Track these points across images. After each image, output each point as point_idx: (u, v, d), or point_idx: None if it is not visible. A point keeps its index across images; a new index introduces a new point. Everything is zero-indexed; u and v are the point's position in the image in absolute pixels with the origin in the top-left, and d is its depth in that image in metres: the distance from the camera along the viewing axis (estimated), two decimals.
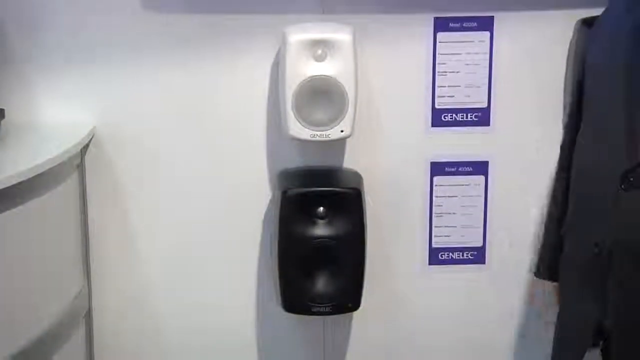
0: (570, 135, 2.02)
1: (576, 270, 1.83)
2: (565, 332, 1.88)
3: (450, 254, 2.47)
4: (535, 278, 2.24)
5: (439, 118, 2.40)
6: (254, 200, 2.42)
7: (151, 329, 2.47)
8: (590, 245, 1.74)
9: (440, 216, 2.45)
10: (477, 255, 2.48)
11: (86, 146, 2.34)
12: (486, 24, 2.34)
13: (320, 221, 2.28)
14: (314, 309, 2.30)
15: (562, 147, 2.09)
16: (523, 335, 2.46)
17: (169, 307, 2.47)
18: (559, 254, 2.00)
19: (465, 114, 2.39)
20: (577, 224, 1.84)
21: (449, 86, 2.37)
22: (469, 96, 2.38)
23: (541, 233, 2.21)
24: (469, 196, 2.44)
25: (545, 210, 2.25)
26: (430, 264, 2.48)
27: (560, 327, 1.89)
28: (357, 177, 2.38)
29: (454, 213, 2.45)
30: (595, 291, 1.73)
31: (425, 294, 2.50)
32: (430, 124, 2.40)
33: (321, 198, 2.28)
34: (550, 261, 2.06)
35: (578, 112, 1.96)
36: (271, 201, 2.41)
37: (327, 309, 2.31)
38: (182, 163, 2.39)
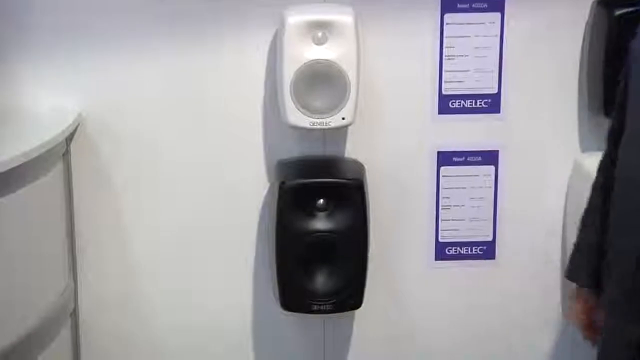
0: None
1: (619, 284, 1.76)
2: (607, 348, 1.81)
3: (458, 248, 2.47)
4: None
5: (446, 105, 2.39)
6: (250, 193, 2.41)
7: (142, 328, 2.47)
8: (632, 260, 1.68)
9: (448, 209, 2.44)
10: (487, 250, 2.47)
11: (72, 134, 2.32)
12: (497, 5, 2.34)
13: (320, 214, 2.28)
14: (314, 307, 2.30)
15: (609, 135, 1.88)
16: (537, 337, 2.45)
17: (162, 305, 2.46)
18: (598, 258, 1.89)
19: (474, 101, 2.39)
20: (618, 234, 1.77)
21: (456, 71, 2.37)
22: (478, 81, 2.38)
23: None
24: (478, 187, 2.43)
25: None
26: (436, 259, 2.47)
27: (603, 342, 1.82)
28: (359, 167, 2.37)
29: (462, 205, 2.44)
30: (637, 307, 1.68)
31: (431, 291, 2.49)
32: (436, 111, 2.39)
33: (321, 189, 2.27)
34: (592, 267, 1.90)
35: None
36: (268, 193, 2.40)
37: (328, 307, 2.30)
38: (175, 154, 2.38)
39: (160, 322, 2.45)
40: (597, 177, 1.85)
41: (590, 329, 1.87)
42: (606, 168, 1.81)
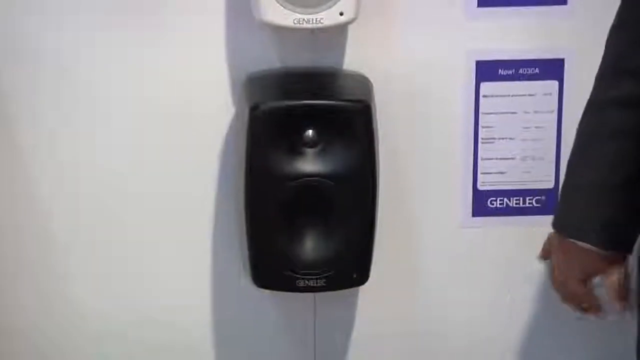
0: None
1: None
2: None
3: (506, 200, 2.30)
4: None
5: None
6: (208, 121, 2.26)
7: (57, 315, 2.34)
8: None
9: (491, 142, 2.28)
10: (547, 203, 2.31)
11: None
12: None
13: (309, 151, 2.14)
14: (300, 283, 2.17)
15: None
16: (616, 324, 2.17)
17: (85, 285, 2.33)
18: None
19: None
20: None
21: None
22: None
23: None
24: (535, 112, 2.26)
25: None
26: (474, 215, 2.31)
27: None
28: (364, 84, 2.21)
29: (511, 138, 2.27)
30: None
31: (466, 260, 2.34)
32: (475, 2, 2.23)
33: (310, 116, 2.12)
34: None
35: None
36: (234, 122, 2.25)
37: (320, 283, 2.17)
38: (101, 70, 2.23)
39: (83, 308, 2.34)
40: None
41: (624, 298, 1.82)
42: None
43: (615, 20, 1.81)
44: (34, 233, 2.34)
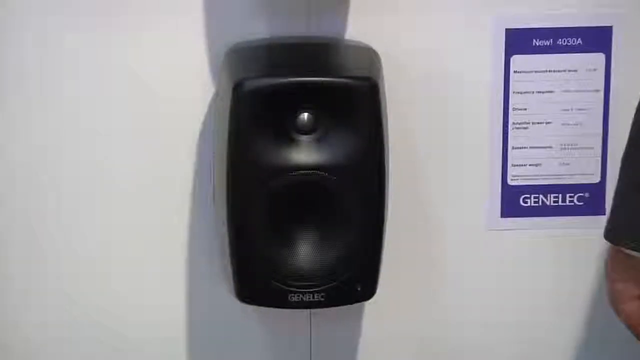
0: None
1: None
2: None
3: (542, 197, 2.17)
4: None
5: None
6: (183, 102, 2.11)
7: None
8: None
9: (524, 128, 2.14)
10: (591, 200, 2.18)
11: None
12: None
13: (304, 139, 2.00)
14: (293, 298, 2.04)
15: None
16: None
17: (32, 293, 2.17)
18: None
19: None
20: None
21: None
22: None
23: None
24: (577, 91, 2.13)
25: None
26: (503, 215, 2.17)
27: None
28: (371, 58, 2.07)
29: (548, 122, 2.13)
30: None
31: (495, 268, 2.20)
32: None
33: (305, 96, 1.98)
34: None
35: None
36: (215, 103, 2.11)
37: (317, 298, 2.05)
38: (66, 43, 2.09)
39: (25, 319, 2.19)
40: None
41: None
42: None
43: None
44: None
